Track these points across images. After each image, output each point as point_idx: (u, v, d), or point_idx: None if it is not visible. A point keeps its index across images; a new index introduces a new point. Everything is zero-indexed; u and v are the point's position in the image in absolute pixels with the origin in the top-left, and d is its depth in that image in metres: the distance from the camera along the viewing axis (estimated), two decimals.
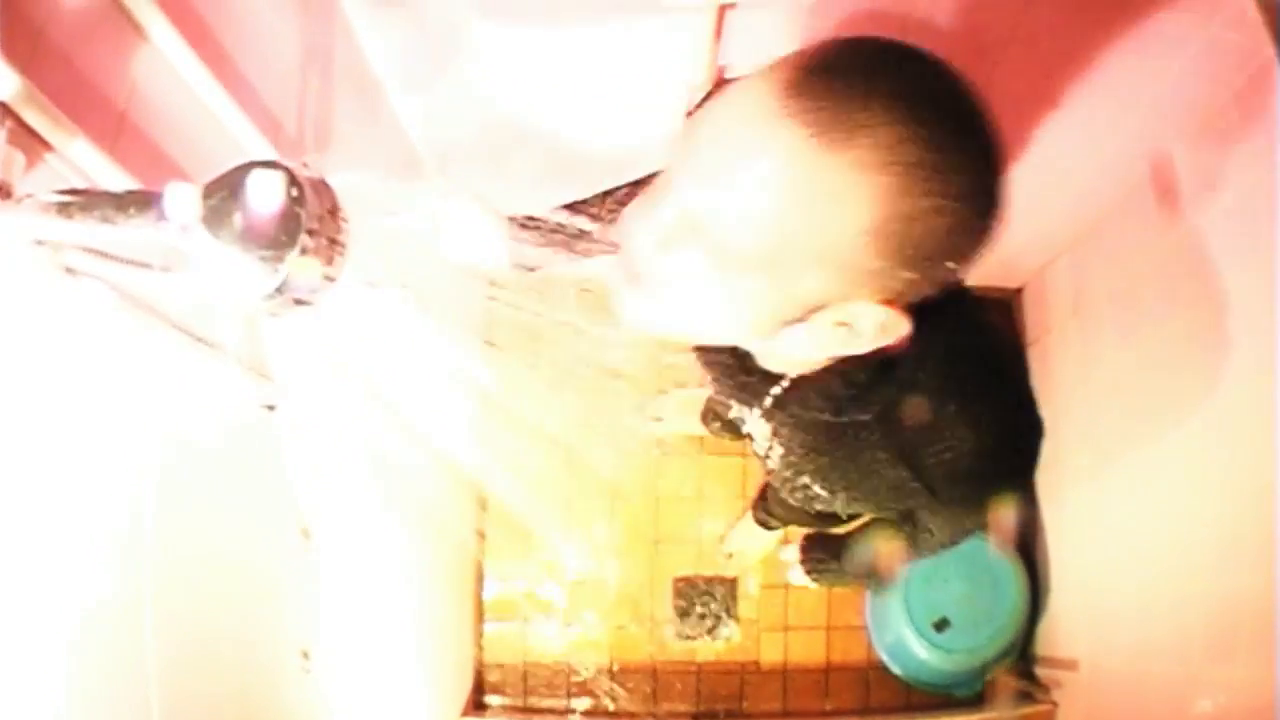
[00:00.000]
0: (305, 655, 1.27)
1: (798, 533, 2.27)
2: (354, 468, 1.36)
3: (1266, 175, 1.45)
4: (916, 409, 0.87)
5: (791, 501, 1.21)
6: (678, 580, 2.47)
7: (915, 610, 2.23)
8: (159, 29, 0.92)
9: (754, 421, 1.07)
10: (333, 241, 0.60)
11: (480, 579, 2.46)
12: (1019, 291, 2.51)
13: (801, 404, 0.92)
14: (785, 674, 2.45)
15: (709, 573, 2.47)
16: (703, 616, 2.45)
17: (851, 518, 1.55)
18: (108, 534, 0.88)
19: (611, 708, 2.41)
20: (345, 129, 1.49)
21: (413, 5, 1.53)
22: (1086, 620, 2.16)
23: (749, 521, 2.32)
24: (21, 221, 0.66)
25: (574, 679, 2.43)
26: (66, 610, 0.82)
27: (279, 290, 0.59)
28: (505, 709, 2.40)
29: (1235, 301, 1.58)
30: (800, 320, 0.74)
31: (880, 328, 0.73)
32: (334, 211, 0.61)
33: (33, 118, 0.72)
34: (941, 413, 0.87)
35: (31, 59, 0.74)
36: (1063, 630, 2.25)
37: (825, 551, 1.64)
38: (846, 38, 0.67)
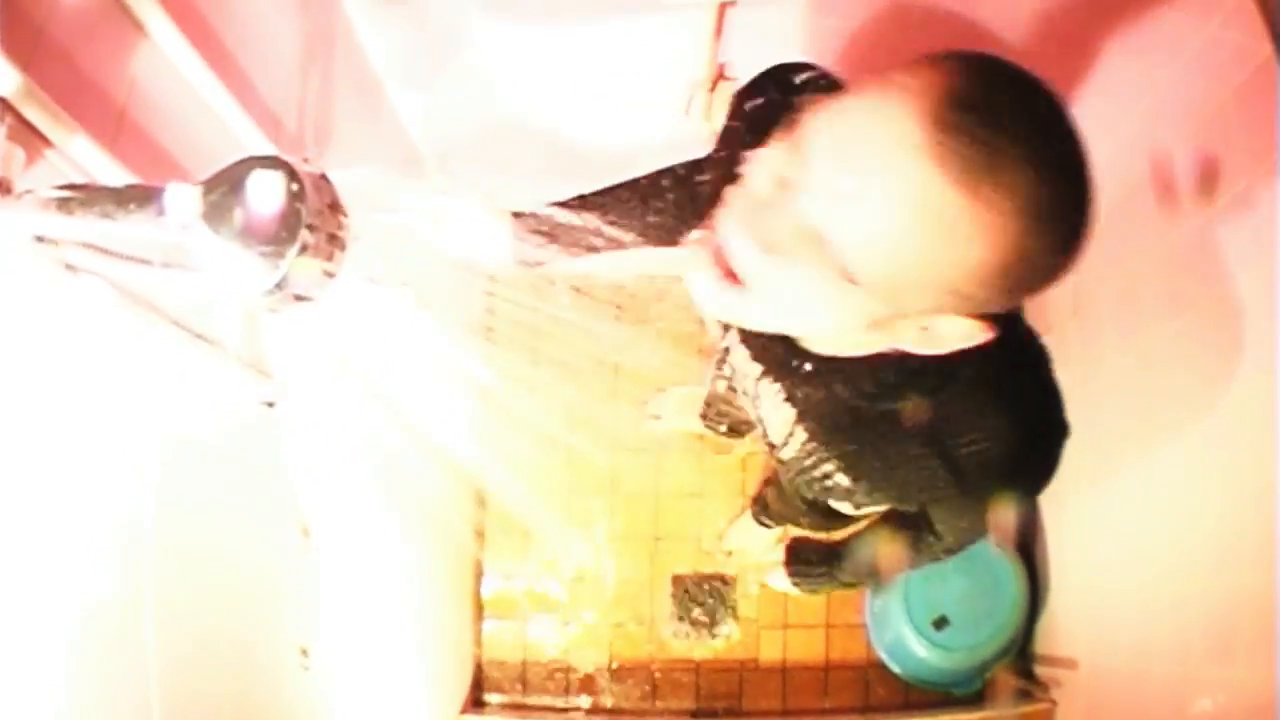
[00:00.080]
0: (305, 653, 1.27)
1: (798, 531, 2.27)
2: (353, 465, 1.37)
3: (1267, 174, 1.45)
4: (954, 399, 0.88)
5: (805, 494, 1.20)
6: (677, 578, 2.47)
7: (915, 608, 2.23)
8: (159, 26, 0.91)
9: (773, 408, 1.07)
10: (333, 237, 0.60)
11: (479, 576, 2.46)
12: None
13: (838, 387, 0.91)
14: (784, 672, 2.45)
15: (708, 571, 2.47)
16: (702, 615, 2.45)
17: (853, 520, 1.53)
18: (108, 531, 0.88)
19: (610, 705, 2.41)
20: (346, 126, 1.49)
21: (413, 3, 1.53)
22: (1086, 619, 2.16)
23: (748, 520, 2.32)
24: (21, 218, 0.66)
25: (573, 677, 2.43)
26: (67, 608, 0.81)
27: (279, 286, 0.59)
28: (504, 706, 2.40)
29: (1235, 301, 1.58)
30: (885, 323, 0.76)
31: (961, 337, 0.75)
32: (334, 207, 0.61)
33: (33, 114, 0.72)
34: (976, 405, 0.88)
35: (32, 55, 0.74)
36: (1062, 629, 2.25)
37: (812, 557, 1.62)
38: (984, 64, 0.67)
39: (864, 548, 1.41)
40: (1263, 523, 1.45)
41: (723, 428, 2.19)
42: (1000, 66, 0.67)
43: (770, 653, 2.46)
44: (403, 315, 0.69)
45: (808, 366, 0.92)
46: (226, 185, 0.59)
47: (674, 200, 1.17)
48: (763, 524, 2.23)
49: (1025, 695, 2.26)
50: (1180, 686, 1.70)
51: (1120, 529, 1.97)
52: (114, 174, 0.82)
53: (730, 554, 2.45)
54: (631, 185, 1.20)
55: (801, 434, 1.05)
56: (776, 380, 1.03)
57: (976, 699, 2.35)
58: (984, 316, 0.74)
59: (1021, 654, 2.32)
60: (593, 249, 1.14)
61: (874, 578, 1.65)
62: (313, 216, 0.58)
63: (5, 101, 0.70)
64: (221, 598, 1.10)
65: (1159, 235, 1.81)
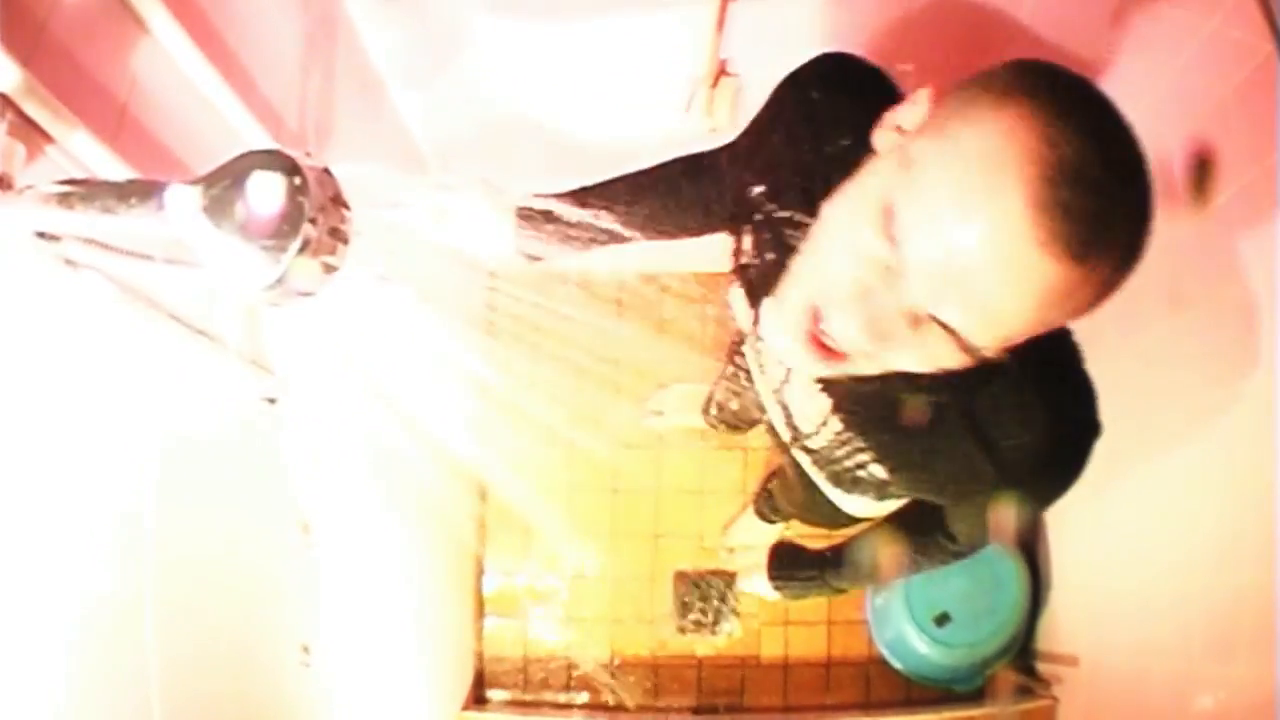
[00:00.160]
0: (306, 650, 1.27)
1: (799, 529, 2.27)
2: (354, 462, 1.37)
3: (1267, 173, 1.45)
4: (1000, 392, 0.88)
5: (827, 486, 1.19)
6: (678, 575, 2.47)
7: (916, 605, 2.23)
8: (160, 22, 0.91)
9: (808, 397, 1.06)
10: (335, 232, 0.60)
11: (480, 573, 2.46)
12: None
13: (879, 380, 0.91)
14: (786, 668, 2.45)
15: (709, 567, 2.47)
16: (703, 611, 2.45)
17: (856, 520, 1.52)
18: (108, 528, 0.88)
19: (612, 702, 2.41)
20: (347, 123, 1.49)
21: (414, 0, 1.53)
22: (1087, 616, 2.16)
23: (750, 516, 2.32)
24: (22, 213, 0.66)
25: (574, 673, 2.43)
26: (67, 605, 0.81)
27: (281, 281, 0.59)
28: (506, 703, 2.40)
29: (1235, 299, 1.58)
30: None
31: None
32: (337, 201, 0.61)
33: (34, 110, 0.72)
34: (1024, 399, 0.89)
35: (33, 51, 0.74)
36: (1063, 626, 2.25)
37: (799, 560, 1.59)
38: (1065, 108, 0.67)
39: (866, 550, 1.39)
40: (1263, 521, 1.44)
41: (724, 424, 2.19)
42: (1081, 105, 0.68)
43: (772, 649, 2.46)
44: (404, 310, 0.69)
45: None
46: (228, 180, 0.59)
47: (690, 195, 1.16)
48: (766, 519, 2.23)
49: (1026, 692, 2.26)
50: (1181, 684, 1.70)
51: (1121, 527, 1.97)
52: (115, 170, 0.82)
53: (732, 550, 2.45)
54: (640, 177, 1.19)
55: (836, 424, 1.04)
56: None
57: (978, 696, 2.35)
58: None
59: (1023, 651, 2.32)
60: (597, 242, 1.14)
61: (874, 580, 1.63)
62: (315, 211, 0.58)
63: (6, 97, 0.70)
64: (222, 595, 1.10)
65: (1159, 235, 1.80)
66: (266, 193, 0.58)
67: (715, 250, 1.12)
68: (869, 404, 0.99)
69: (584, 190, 1.18)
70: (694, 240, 1.22)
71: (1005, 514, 1.03)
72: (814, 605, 2.45)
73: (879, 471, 1.04)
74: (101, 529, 0.87)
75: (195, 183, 0.60)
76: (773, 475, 2.23)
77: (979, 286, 0.67)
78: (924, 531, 1.25)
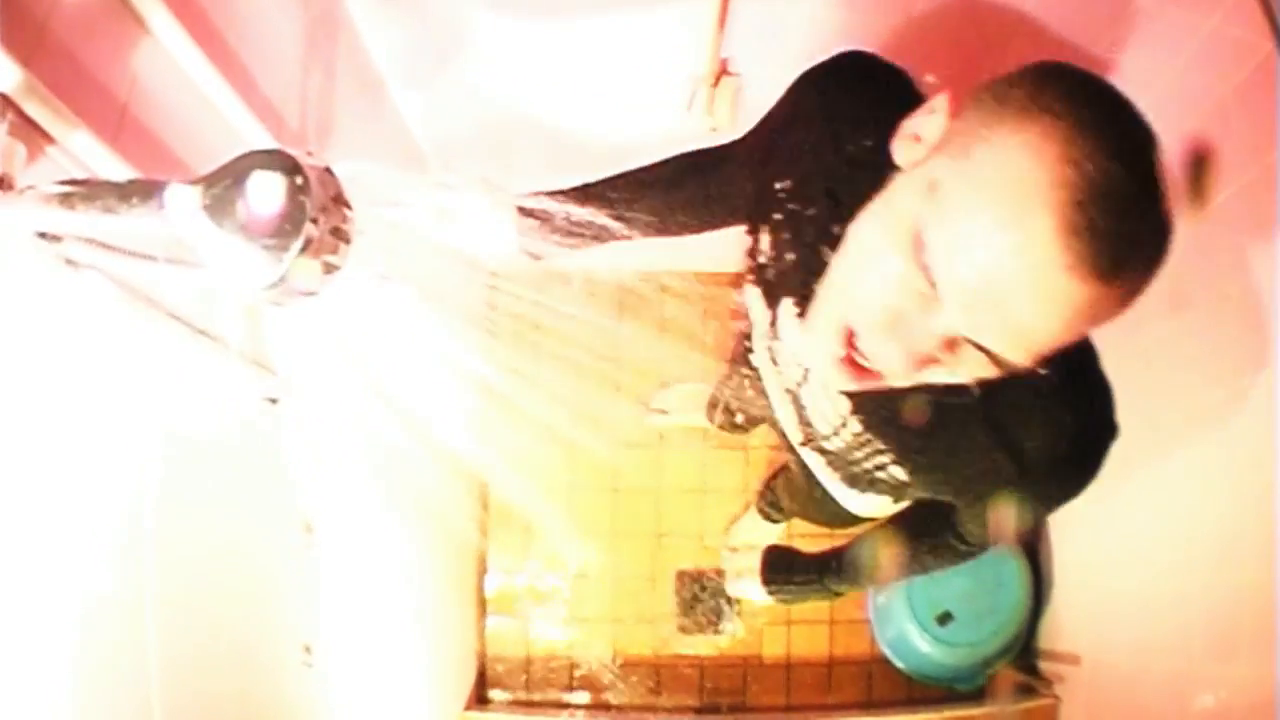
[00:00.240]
0: (307, 650, 1.27)
1: (801, 528, 2.27)
2: (356, 462, 1.36)
3: (1267, 172, 1.45)
4: (1022, 393, 0.89)
5: (837, 486, 1.18)
6: (681, 574, 2.47)
7: (918, 604, 2.23)
8: (161, 22, 0.91)
9: (826, 398, 1.05)
10: (337, 231, 0.60)
11: (482, 573, 2.46)
12: None
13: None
14: (788, 668, 2.46)
15: (711, 566, 2.47)
16: (705, 610, 2.45)
17: (860, 520, 1.51)
18: (109, 527, 0.88)
19: (614, 702, 2.41)
20: (347, 123, 1.49)
21: None
22: (1089, 615, 2.16)
23: (753, 515, 2.32)
24: (23, 213, 0.66)
25: (576, 673, 2.43)
26: (68, 605, 0.81)
27: (282, 280, 0.59)
28: (508, 703, 2.40)
29: (1235, 298, 1.58)
30: None
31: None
32: (338, 200, 0.61)
33: (34, 110, 0.72)
34: (1046, 399, 0.90)
35: (34, 51, 0.74)
36: (1065, 625, 2.25)
37: (795, 564, 1.57)
38: (1090, 122, 0.68)
39: (869, 551, 1.38)
40: (1264, 520, 1.44)
41: (726, 423, 2.19)
42: (1113, 121, 0.70)
43: (774, 648, 2.46)
44: (405, 310, 0.69)
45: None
46: (230, 179, 0.59)
47: (693, 193, 1.16)
48: (769, 518, 2.23)
49: (1028, 691, 2.26)
50: (1182, 682, 1.70)
51: (1123, 526, 1.97)
52: (116, 170, 0.82)
53: (734, 550, 2.44)
54: (642, 174, 1.19)
55: (856, 425, 1.04)
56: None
57: (979, 694, 2.35)
58: None
59: (1024, 650, 2.32)
60: (598, 240, 1.13)
61: (877, 582, 1.63)
62: (317, 210, 0.58)
63: (7, 97, 0.70)
64: (223, 594, 1.10)
65: None
66: (267, 192, 0.58)
67: (716, 249, 1.12)
68: (890, 405, 0.99)
69: (585, 187, 1.18)
70: (695, 238, 1.21)
71: (1020, 514, 1.03)
72: (816, 605, 2.44)
73: (899, 473, 1.04)
74: (103, 529, 0.87)
75: (196, 182, 0.60)
76: (776, 474, 2.23)
77: (1011, 311, 0.68)
78: (934, 533, 1.24)
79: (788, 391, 1.14)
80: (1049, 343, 0.71)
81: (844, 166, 0.91)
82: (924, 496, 1.15)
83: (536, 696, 2.42)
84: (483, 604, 2.45)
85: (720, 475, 2.51)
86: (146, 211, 0.60)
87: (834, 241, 0.85)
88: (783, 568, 1.56)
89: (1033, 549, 2.32)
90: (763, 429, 1.97)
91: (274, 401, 1.16)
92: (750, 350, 1.18)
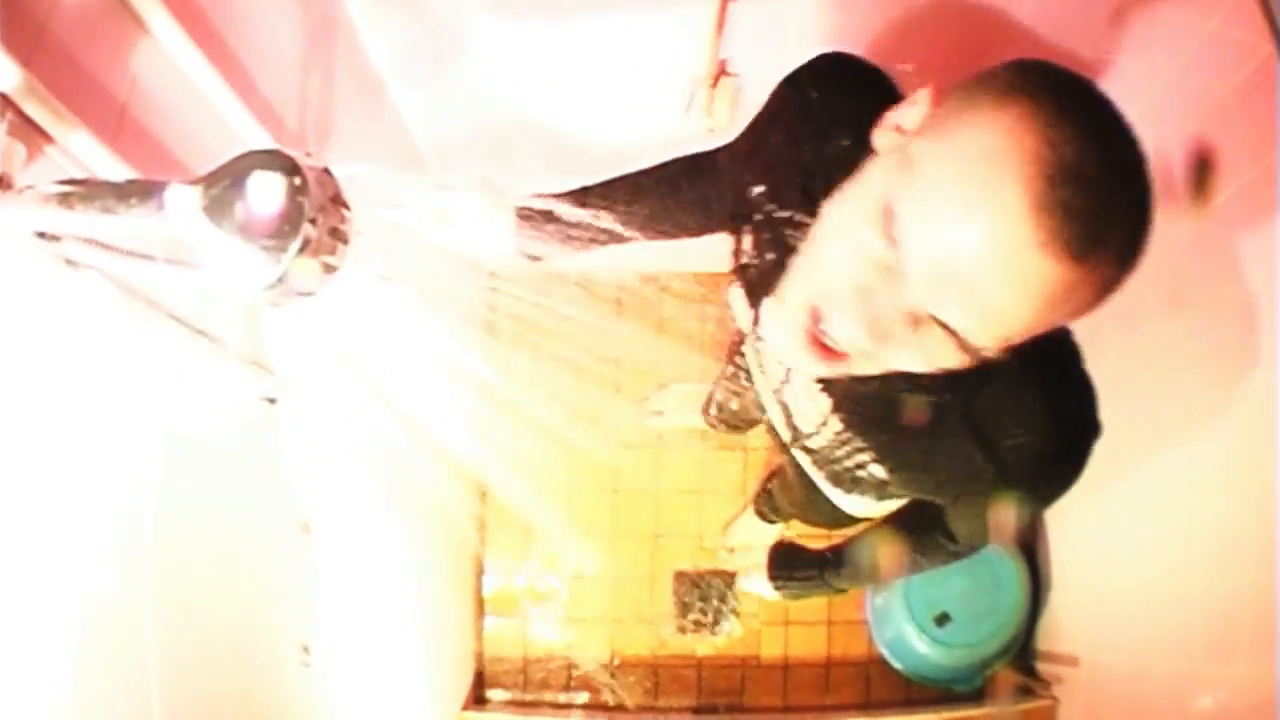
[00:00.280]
0: (306, 650, 1.27)
1: (798, 529, 2.27)
2: (355, 462, 1.37)
3: (1267, 173, 1.45)
4: (999, 392, 0.88)
5: (826, 485, 1.19)
6: (678, 575, 2.47)
7: (916, 605, 2.23)
8: (160, 22, 0.91)
9: (808, 397, 1.06)
10: (335, 232, 0.60)
11: (480, 573, 2.46)
12: None
13: (879, 380, 0.91)
14: (786, 668, 2.45)
15: (709, 567, 2.47)
16: (703, 611, 2.45)
17: (856, 520, 1.52)
18: (108, 528, 0.88)
19: (612, 702, 2.41)
20: (346, 123, 1.49)
21: (414, 0, 1.53)
22: (1087, 616, 2.16)
23: (750, 515, 2.32)
24: (22, 213, 0.66)
25: (574, 673, 2.43)
26: (68, 605, 0.81)
27: (281, 281, 0.59)
28: (506, 703, 2.40)
29: (1235, 299, 1.58)
30: None
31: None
32: (337, 201, 0.61)
33: (34, 110, 0.72)
34: (1023, 398, 0.89)
35: (33, 51, 0.74)
36: (1063, 626, 2.25)
37: (799, 560, 1.59)
38: (1066, 108, 0.67)
39: (866, 549, 1.40)
40: (1263, 521, 1.44)
41: (724, 424, 2.19)
42: (1082, 106, 0.68)
43: (771, 649, 2.46)
44: (404, 311, 0.69)
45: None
46: (228, 180, 0.59)
47: (690, 195, 1.16)
48: (766, 519, 2.23)
49: (1026, 692, 2.26)
50: (1181, 684, 1.70)
51: (1121, 527, 1.97)
52: (115, 170, 0.82)
53: (732, 550, 2.45)
54: (640, 177, 1.19)
55: (836, 423, 1.04)
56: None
57: (977, 696, 2.35)
58: None
59: (1023, 651, 2.32)
60: (597, 242, 1.14)
61: (874, 580, 1.64)
62: (315, 211, 0.58)
63: (6, 97, 0.70)
64: (222, 595, 1.10)
65: (1159, 235, 1.80)
66: (266, 192, 0.58)
67: (715, 250, 1.12)
68: (869, 404, 0.99)
69: (584, 190, 1.18)
70: (694, 240, 1.22)
71: (1005, 514, 1.03)
72: (814, 605, 2.45)
73: (879, 471, 1.04)
74: (102, 529, 0.87)
75: (195, 183, 0.60)
76: (773, 475, 2.23)
77: (979, 287, 0.67)
78: (924, 530, 1.25)
79: (774, 391, 1.14)
80: (1018, 325, 0.69)
81: (821, 167, 0.91)
82: (906, 495, 1.15)
83: (534, 697, 2.42)
84: (481, 604, 2.45)
85: (718, 476, 2.51)
86: (145, 212, 0.60)
87: None
88: (786, 564, 1.59)
89: (1031, 550, 2.32)
90: (760, 430, 1.98)
91: (273, 401, 1.16)
92: (741, 351, 1.18)
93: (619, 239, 1.15)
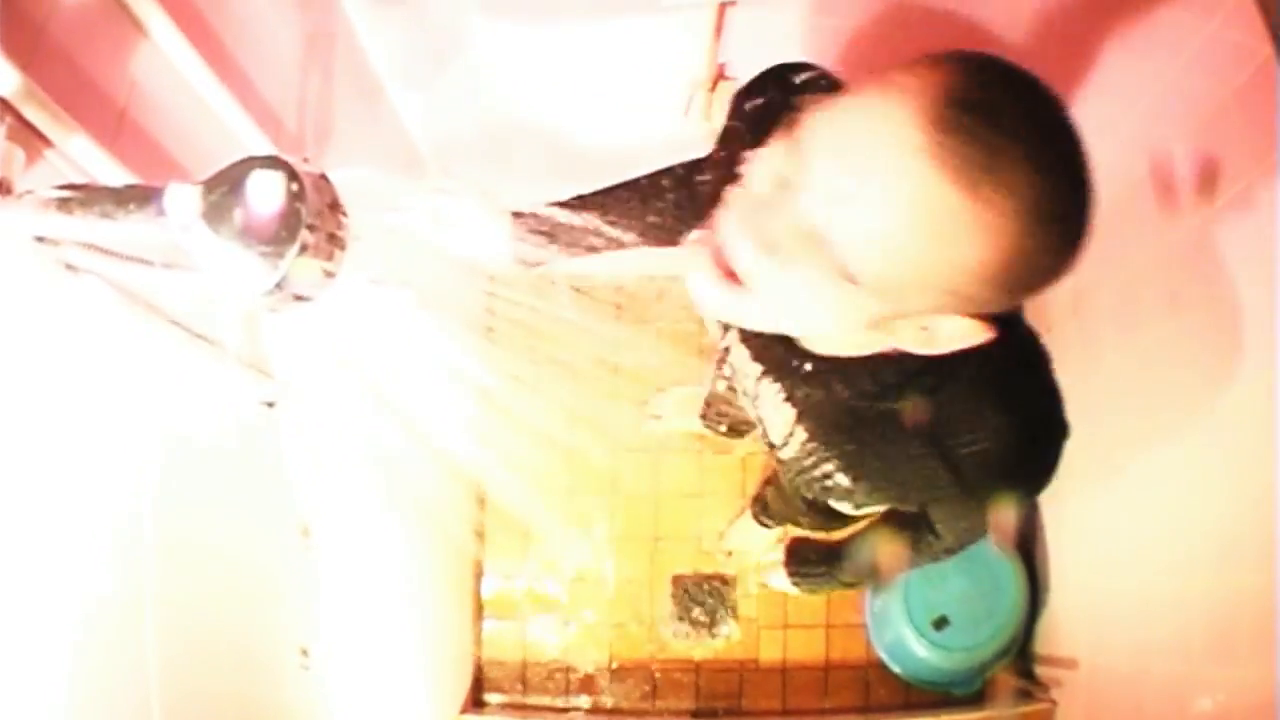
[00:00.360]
0: (305, 653, 1.27)
1: (798, 531, 2.27)
2: (354, 465, 1.37)
3: (1267, 174, 1.45)
4: (953, 399, 0.88)
5: (805, 494, 1.20)
6: (677, 578, 2.47)
7: (915, 609, 2.23)
8: (159, 26, 0.92)
9: (773, 408, 1.07)
10: (333, 237, 0.60)
11: (479, 576, 2.46)
12: None
13: (838, 387, 0.91)
14: (784, 672, 2.45)
15: (708, 571, 2.47)
16: (702, 614, 2.45)
17: (853, 520, 1.54)
18: (108, 531, 0.88)
19: (610, 705, 2.41)
20: (345, 126, 1.49)
21: (413, 3, 1.53)
22: (1086, 619, 2.16)
23: (748, 519, 2.32)
24: (21, 218, 0.66)
25: (573, 677, 2.43)
26: (68, 607, 0.81)
27: (279, 286, 0.59)
28: (504, 706, 2.40)
29: (1235, 300, 1.58)
30: (885, 323, 0.76)
31: (960, 337, 0.75)
32: (334, 207, 0.61)
33: (33, 114, 0.73)
34: (977, 405, 0.88)
35: (32, 55, 0.74)
36: (1062, 629, 2.25)
37: (810, 557, 1.63)
38: (984, 64, 0.67)
39: (863, 547, 1.41)
40: (1263, 522, 1.44)
41: (723, 428, 2.19)
42: (1001, 66, 0.67)
43: (770, 653, 2.46)
44: (403, 315, 0.69)
45: (808, 367, 0.92)
46: (226, 185, 0.59)
47: (674, 200, 1.17)
48: (763, 524, 2.23)
49: (1025, 695, 2.26)
50: (1180, 686, 1.70)
51: (1120, 528, 1.97)
52: (114, 174, 0.82)
53: (730, 554, 2.45)
54: (631, 185, 1.20)
55: (801, 434, 1.05)
56: (776, 380, 1.03)
57: (976, 699, 2.34)
58: (984, 316, 0.74)
59: (1021, 654, 2.32)
60: (592, 249, 1.14)
61: (874, 577, 1.65)
62: (313, 216, 0.58)
63: (5, 102, 0.70)
64: (222, 598, 1.10)
65: (1159, 235, 1.81)
66: (264, 199, 0.58)
67: None
68: (829, 414, 0.99)
69: (580, 199, 1.19)
70: None
71: (977, 516, 1.04)
72: (812, 609, 2.45)
73: (844, 481, 1.05)
74: (102, 532, 0.87)
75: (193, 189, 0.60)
76: (769, 480, 2.23)
77: (867, 196, 0.66)
78: (913, 528, 1.26)
79: (747, 396, 1.15)
80: (905, 253, 0.67)
81: None
82: (873, 503, 1.15)
83: (532, 700, 2.42)
84: (479, 607, 2.45)
85: (717, 480, 2.51)
86: (144, 217, 0.60)
87: None
88: (800, 559, 1.62)
89: (1029, 552, 2.32)
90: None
91: (271, 405, 1.16)
92: (725, 358, 1.19)
93: (617, 245, 1.16)
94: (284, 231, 0.58)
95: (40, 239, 0.72)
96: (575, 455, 2.33)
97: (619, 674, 2.43)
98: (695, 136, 1.72)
